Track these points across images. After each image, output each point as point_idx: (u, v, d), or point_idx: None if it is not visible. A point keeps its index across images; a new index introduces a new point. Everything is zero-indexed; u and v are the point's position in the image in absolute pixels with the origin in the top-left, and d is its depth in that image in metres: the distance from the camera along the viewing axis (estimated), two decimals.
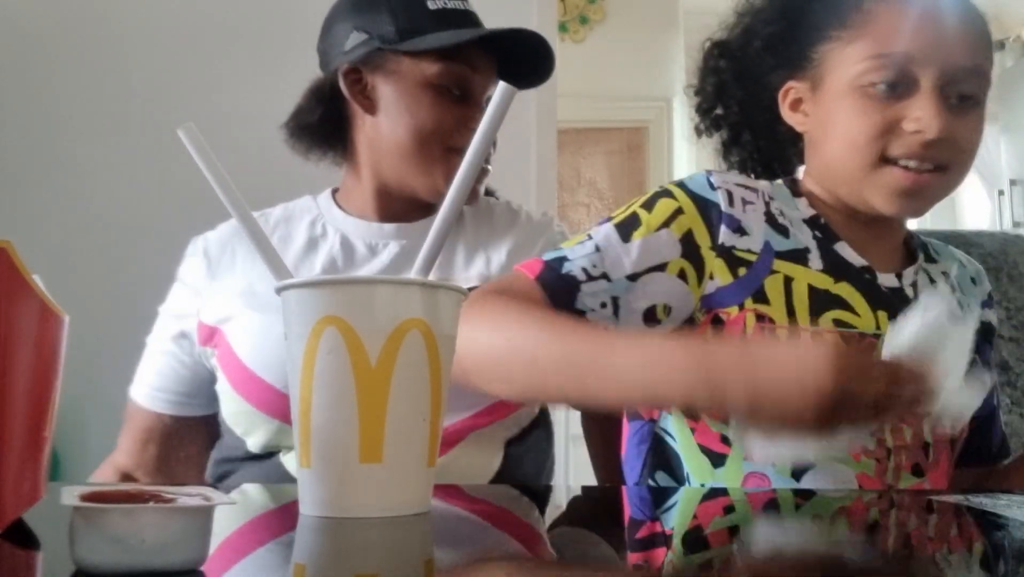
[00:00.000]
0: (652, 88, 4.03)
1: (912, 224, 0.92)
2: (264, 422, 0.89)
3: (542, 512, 0.65)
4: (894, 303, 0.78)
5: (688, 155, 4.32)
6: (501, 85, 0.58)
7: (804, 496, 0.68)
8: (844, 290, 0.76)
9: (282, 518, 0.57)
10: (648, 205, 0.79)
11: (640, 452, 0.83)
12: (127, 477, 0.99)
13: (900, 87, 0.73)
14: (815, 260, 0.78)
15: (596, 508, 0.66)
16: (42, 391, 0.47)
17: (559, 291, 0.74)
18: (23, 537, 0.46)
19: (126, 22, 1.78)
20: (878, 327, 0.75)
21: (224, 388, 0.93)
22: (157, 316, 1.03)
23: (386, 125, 0.96)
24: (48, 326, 0.47)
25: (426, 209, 0.99)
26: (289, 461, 0.89)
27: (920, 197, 0.75)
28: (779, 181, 0.85)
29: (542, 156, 1.96)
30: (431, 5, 0.93)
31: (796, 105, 0.81)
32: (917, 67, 0.72)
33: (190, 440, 0.99)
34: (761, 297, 0.76)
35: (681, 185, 0.80)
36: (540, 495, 0.76)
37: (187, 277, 1.00)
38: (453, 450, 0.87)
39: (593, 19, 4.03)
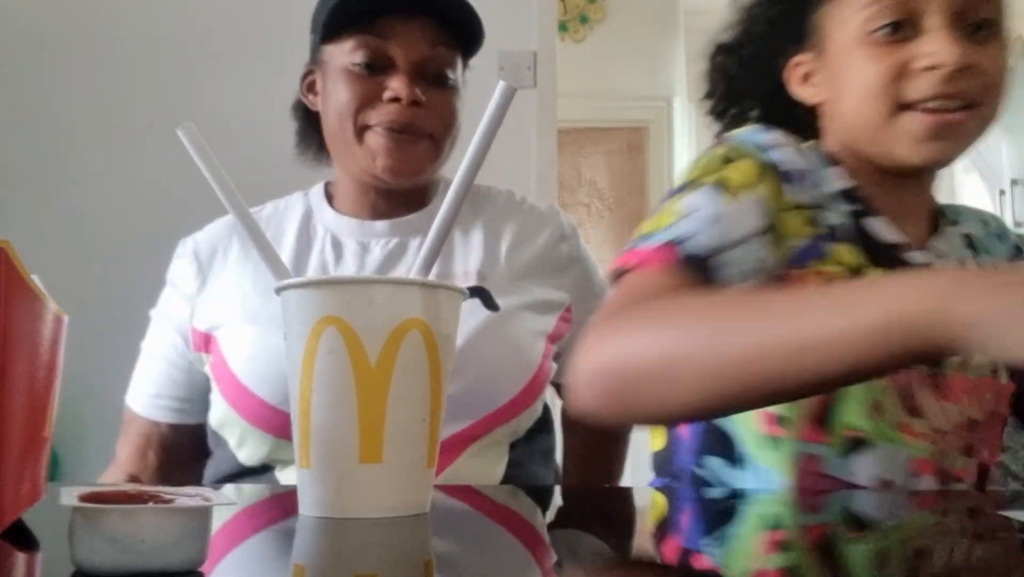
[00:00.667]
0: (652, 88, 4.03)
1: None
2: (257, 436, 0.86)
3: (543, 512, 0.65)
4: None
5: (688, 155, 4.32)
6: (500, 84, 0.57)
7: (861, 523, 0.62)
8: (876, 268, 0.73)
9: (282, 518, 0.57)
10: (723, 165, 0.73)
11: (694, 433, 0.79)
12: (133, 480, 0.99)
13: (906, 27, 0.70)
14: (847, 246, 0.75)
15: (600, 509, 0.66)
16: (41, 391, 0.47)
17: (700, 273, 0.65)
18: (22, 537, 0.46)
19: (126, 22, 1.78)
20: None
21: (216, 398, 0.91)
22: (150, 321, 1.01)
23: (323, 115, 0.95)
24: (47, 326, 0.47)
25: (416, 203, 0.97)
26: (285, 476, 0.86)
27: (951, 139, 0.71)
28: (808, 147, 0.80)
29: (542, 156, 1.96)
30: None
31: (806, 79, 0.79)
32: (918, 2, 0.70)
33: (189, 449, 0.97)
34: (823, 255, 0.73)
35: (741, 144, 0.75)
36: (542, 495, 0.76)
37: (178, 281, 0.98)
38: (456, 461, 0.85)
39: (593, 19, 4.03)
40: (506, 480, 0.88)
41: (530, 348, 0.90)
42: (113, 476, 1.00)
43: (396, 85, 0.89)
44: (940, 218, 0.81)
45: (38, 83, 1.76)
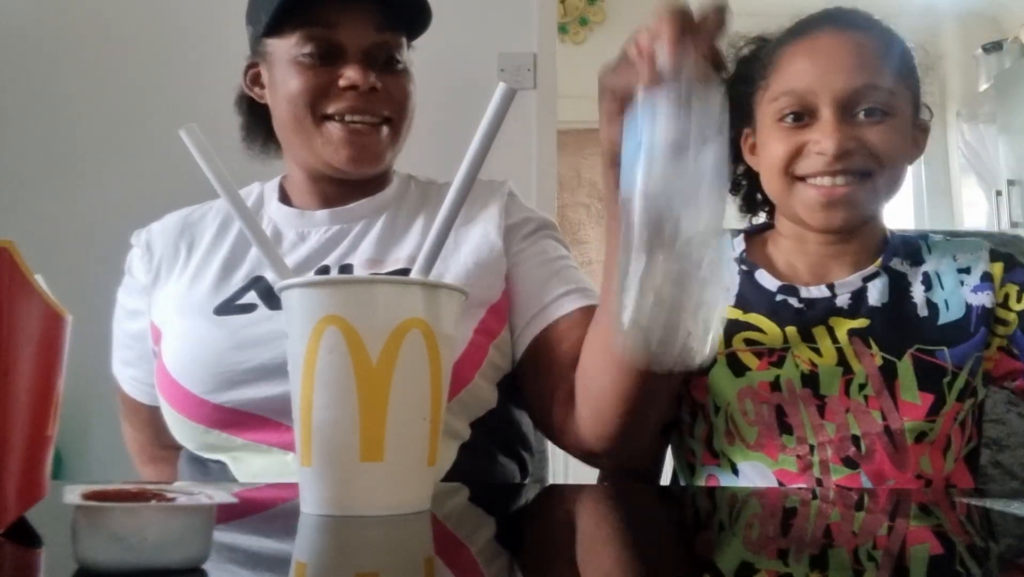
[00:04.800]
0: None
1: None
2: (186, 425, 0.85)
3: (541, 510, 0.65)
4: (811, 312, 0.87)
5: None
6: (501, 86, 0.58)
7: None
8: (752, 318, 0.88)
9: (283, 517, 0.57)
10: None
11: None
12: (167, 459, 0.98)
13: (805, 116, 0.85)
14: (729, 299, 0.91)
15: (599, 508, 0.66)
16: (45, 390, 0.47)
17: None
18: (26, 536, 0.46)
19: (127, 23, 1.78)
20: (785, 340, 0.86)
21: (159, 397, 0.90)
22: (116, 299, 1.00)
23: (273, 108, 0.95)
24: (50, 325, 0.47)
25: (362, 191, 0.96)
26: (239, 470, 0.85)
27: (842, 208, 0.84)
28: (727, 229, 0.96)
29: (542, 156, 1.96)
30: None
31: (752, 149, 0.94)
32: (814, 97, 0.84)
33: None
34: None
35: None
36: (543, 494, 0.76)
37: (135, 270, 0.98)
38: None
39: (593, 20, 4.03)
40: (460, 466, 0.85)
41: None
42: (144, 467, 1.03)
43: (351, 74, 0.88)
44: (898, 254, 0.91)
45: (41, 84, 1.76)
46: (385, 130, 0.92)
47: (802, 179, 0.85)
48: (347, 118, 0.90)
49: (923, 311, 0.86)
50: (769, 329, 0.87)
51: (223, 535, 0.47)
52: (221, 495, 0.40)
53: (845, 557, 0.44)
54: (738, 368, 0.86)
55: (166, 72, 1.76)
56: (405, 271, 0.88)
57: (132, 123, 1.74)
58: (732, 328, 0.88)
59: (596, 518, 0.61)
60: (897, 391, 0.82)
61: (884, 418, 0.82)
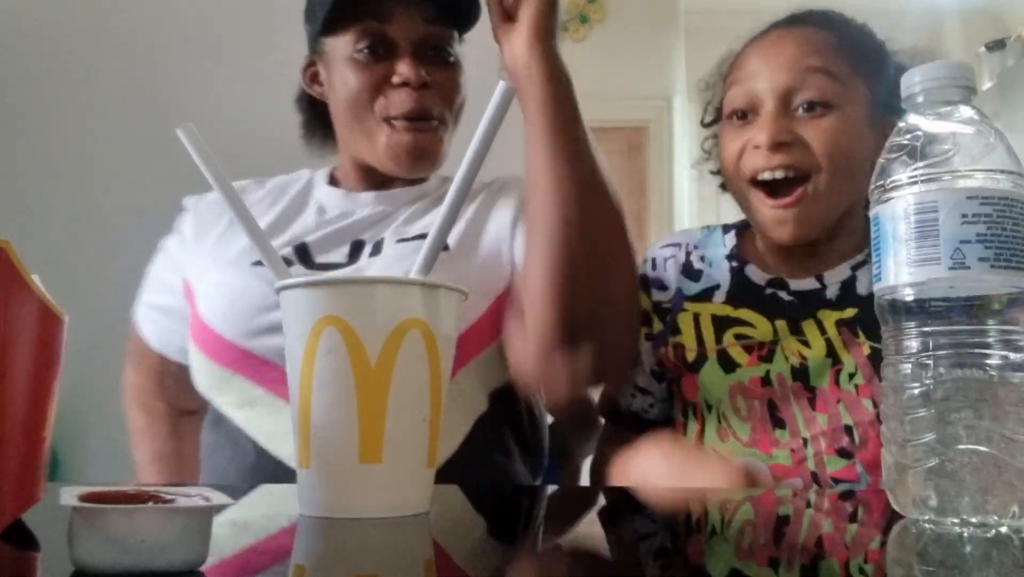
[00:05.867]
0: (652, 88, 4.03)
1: None
2: (214, 370, 0.89)
3: (544, 511, 0.65)
4: (800, 305, 0.87)
5: (688, 154, 4.32)
6: (501, 85, 0.58)
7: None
8: (743, 313, 0.88)
9: (282, 518, 0.57)
10: None
11: None
12: (159, 412, 1.02)
13: (749, 113, 0.86)
14: (720, 295, 0.92)
15: (600, 508, 0.66)
16: (41, 391, 0.47)
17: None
18: (22, 538, 0.46)
19: (126, 22, 1.78)
20: (775, 334, 0.85)
21: (190, 346, 0.93)
22: (159, 250, 1.04)
23: (333, 106, 0.97)
24: (47, 326, 0.47)
25: (409, 181, 0.98)
26: (255, 430, 0.87)
27: (790, 225, 0.84)
28: (719, 225, 0.99)
29: None
30: None
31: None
32: (758, 93, 0.85)
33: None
34: (675, 330, 0.92)
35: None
36: (541, 494, 0.76)
37: (183, 229, 1.02)
38: None
39: (593, 18, 4.03)
40: (462, 455, 0.86)
41: (477, 290, 0.86)
42: (133, 409, 1.04)
43: (403, 69, 0.90)
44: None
45: (38, 83, 1.76)
46: (441, 129, 0.94)
47: (753, 183, 0.85)
48: (402, 119, 0.92)
49: None
50: (759, 323, 0.87)
51: (221, 537, 0.47)
52: (219, 497, 0.40)
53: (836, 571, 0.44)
54: (728, 364, 0.86)
55: (165, 72, 1.76)
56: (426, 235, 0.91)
57: (131, 123, 1.73)
58: (723, 324, 0.89)
59: (597, 520, 0.61)
60: None
61: (876, 406, 0.81)
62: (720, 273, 0.94)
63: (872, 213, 0.52)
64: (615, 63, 3.90)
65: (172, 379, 1.02)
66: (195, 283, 0.96)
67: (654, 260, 0.98)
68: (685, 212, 4.06)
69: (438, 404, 0.54)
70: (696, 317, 0.91)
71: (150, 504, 0.37)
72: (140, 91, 1.75)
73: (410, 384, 0.52)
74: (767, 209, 0.84)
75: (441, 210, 0.59)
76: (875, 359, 0.81)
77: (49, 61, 1.77)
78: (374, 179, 0.99)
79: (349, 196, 0.99)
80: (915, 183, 0.49)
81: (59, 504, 0.36)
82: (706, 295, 0.93)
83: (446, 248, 0.89)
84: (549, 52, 0.81)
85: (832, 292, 0.87)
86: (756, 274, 0.91)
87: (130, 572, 0.36)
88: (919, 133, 0.51)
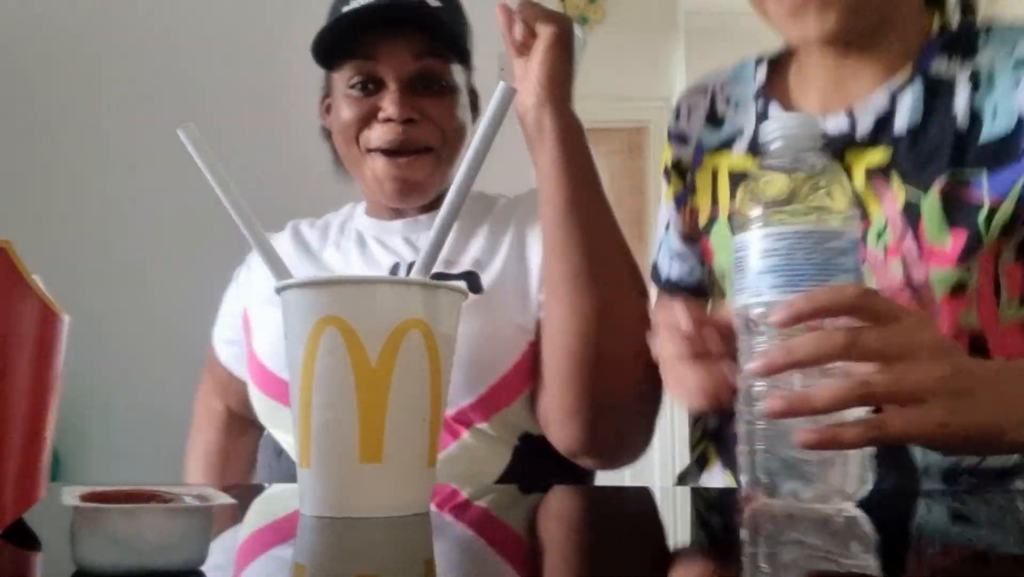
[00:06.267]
0: (652, 88, 4.03)
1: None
2: (272, 406, 0.91)
3: (544, 511, 0.65)
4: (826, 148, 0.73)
5: None
6: (501, 86, 0.58)
7: None
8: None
9: (282, 518, 0.57)
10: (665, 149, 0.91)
11: None
12: (216, 412, 1.07)
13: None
14: (741, 144, 0.82)
15: (600, 508, 0.66)
16: (42, 391, 0.47)
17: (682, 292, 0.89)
18: (23, 537, 0.46)
19: (126, 22, 1.78)
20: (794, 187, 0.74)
21: (248, 376, 0.97)
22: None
23: (334, 137, 0.99)
24: (48, 326, 0.47)
25: (424, 206, 0.99)
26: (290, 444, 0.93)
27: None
28: (753, 57, 0.85)
29: None
30: (344, 8, 0.92)
31: None
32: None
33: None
34: (693, 189, 0.85)
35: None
36: (542, 494, 0.76)
37: (249, 259, 1.05)
38: (450, 446, 0.85)
39: (593, 19, 4.03)
40: (510, 475, 0.88)
41: (505, 340, 0.89)
42: (197, 409, 1.09)
43: (387, 105, 0.91)
44: (948, 49, 0.72)
45: (38, 83, 1.76)
46: (429, 160, 0.94)
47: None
48: (388, 151, 0.92)
49: (963, 123, 0.68)
50: (777, 176, 0.75)
51: (222, 537, 0.47)
52: (220, 497, 0.40)
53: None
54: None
55: (166, 72, 1.76)
56: (471, 274, 0.92)
57: (131, 123, 1.73)
58: (738, 180, 0.79)
59: (600, 520, 0.61)
60: (922, 234, 0.68)
61: (906, 269, 0.68)
62: (745, 115, 0.82)
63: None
64: (615, 64, 3.89)
65: (236, 390, 1.05)
66: (252, 313, 0.99)
67: (678, 109, 0.90)
68: None
69: (438, 404, 0.54)
70: (714, 173, 0.83)
71: (151, 504, 0.37)
72: (141, 92, 1.75)
73: (410, 384, 0.52)
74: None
75: (442, 210, 0.59)
76: (909, 211, 0.68)
77: (50, 62, 1.77)
78: (391, 211, 1.00)
79: (381, 224, 1.01)
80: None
81: (60, 504, 0.36)
82: (726, 145, 0.83)
83: (479, 290, 0.90)
84: (560, 108, 0.80)
85: (864, 128, 0.72)
86: (779, 114, 0.78)
87: (131, 571, 0.36)
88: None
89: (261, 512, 0.61)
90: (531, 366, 0.88)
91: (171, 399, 1.21)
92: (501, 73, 0.97)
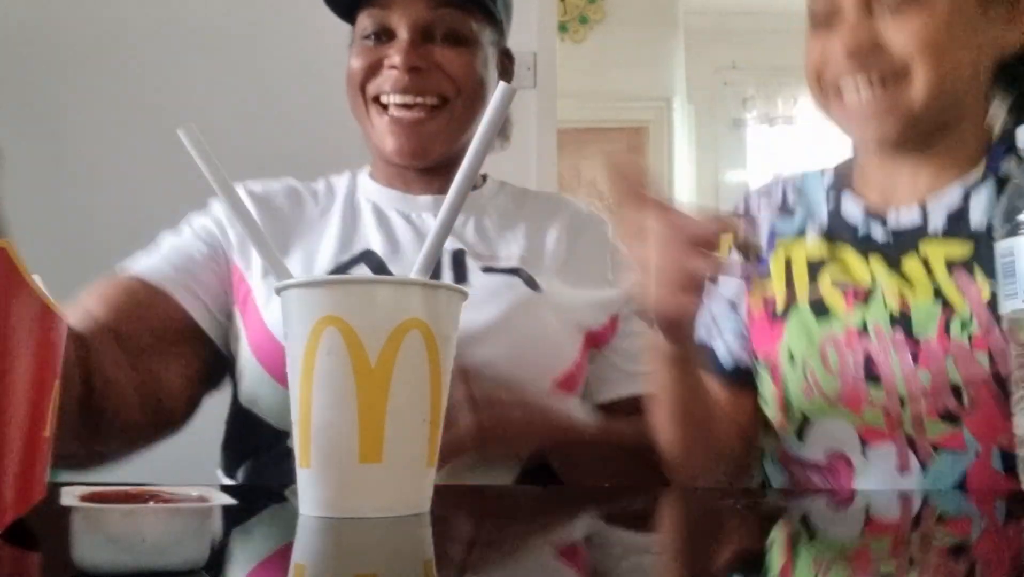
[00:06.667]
0: (652, 88, 4.03)
1: None
2: (280, 392, 0.81)
3: (543, 512, 0.65)
4: (900, 238, 0.77)
5: (688, 155, 4.32)
6: (501, 85, 0.58)
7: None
8: (838, 252, 0.80)
9: (282, 518, 0.57)
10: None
11: None
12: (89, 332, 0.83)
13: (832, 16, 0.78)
14: (813, 233, 0.83)
15: (605, 509, 0.66)
16: (41, 391, 0.47)
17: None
18: (23, 538, 0.46)
19: (126, 22, 1.78)
20: (873, 277, 0.76)
21: (245, 353, 0.87)
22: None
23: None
24: (48, 326, 0.47)
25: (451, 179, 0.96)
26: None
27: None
28: (824, 167, 0.89)
29: (542, 156, 1.96)
30: None
31: None
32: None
33: (175, 356, 0.86)
34: (766, 273, 0.84)
35: None
36: (543, 494, 0.76)
37: (214, 210, 0.97)
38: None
39: (593, 19, 4.03)
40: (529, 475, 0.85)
41: (565, 338, 0.88)
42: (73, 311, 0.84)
43: (393, 53, 0.89)
44: (1000, 161, 0.77)
45: (39, 83, 1.76)
46: (440, 115, 0.90)
47: (834, 89, 0.79)
48: (392, 99, 0.90)
49: None
50: (855, 263, 0.78)
51: (222, 537, 0.47)
52: (219, 496, 0.40)
53: None
54: (821, 311, 0.77)
55: (165, 72, 1.76)
56: (516, 270, 0.90)
57: (131, 123, 1.73)
58: (817, 269, 0.80)
59: (599, 521, 0.61)
60: None
61: (993, 362, 0.69)
62: (816, 205, 0.85)
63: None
64: (615, 63, 3.89)
65: (134, 315, 0.87)
66: (254, 282, 0.89)
67: (747, 199, 0.90)
68: None
69: (438, 404, 0.54)
70: (788, 260, 0.83)
71: (151, 504, 0.37)
72: (141, 91, 1.75)
73: (410, 384, 0.52)
74: (856, 104, 0.75)
75: (442, 210, 0.59)
76: (995, 305, 0.69)
77: (50, 62, 1.77)
78: (409, 179, 0.96)
79: (406, 198, 0.95)
80: None
81: (60, 504, 0.36)
82: (800, 233, 0.84)
83: (536, 287, 0.88)
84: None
85: (936, 221, 0.75)
86: (852, 205, 0.81)
87: (130, 572, 0.36)
88: None
89: (260, 512, 0.61)
90: (577, 378, 0.88)
91: None
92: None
